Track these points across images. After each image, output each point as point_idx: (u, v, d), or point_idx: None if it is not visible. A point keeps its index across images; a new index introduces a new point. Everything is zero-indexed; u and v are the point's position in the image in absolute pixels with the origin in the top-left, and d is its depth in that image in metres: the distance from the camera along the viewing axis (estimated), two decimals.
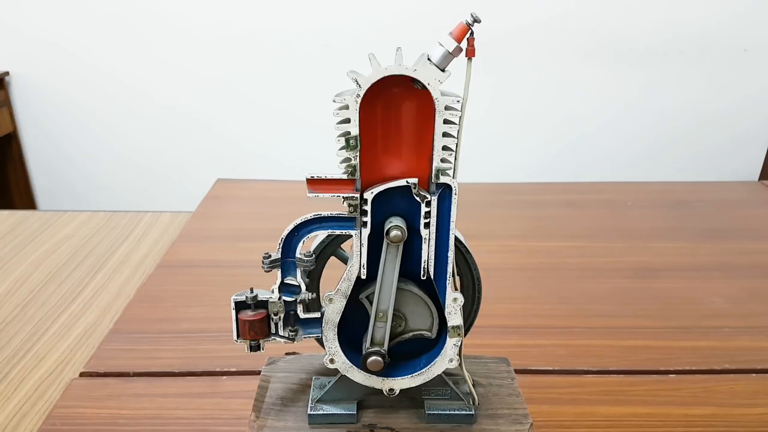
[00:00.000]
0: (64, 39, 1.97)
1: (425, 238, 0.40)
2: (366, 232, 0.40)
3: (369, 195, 0.39)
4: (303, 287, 0.42)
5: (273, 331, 0.43)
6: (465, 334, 0.44)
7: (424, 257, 0.41)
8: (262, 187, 1.17)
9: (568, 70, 2.02)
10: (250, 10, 1.93)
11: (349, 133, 0.37)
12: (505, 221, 1.02)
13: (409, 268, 0.42)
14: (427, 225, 0.40)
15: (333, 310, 0.42)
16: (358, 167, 0.38)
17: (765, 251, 0.92)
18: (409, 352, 0.46)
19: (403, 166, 0.40)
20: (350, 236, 0.41)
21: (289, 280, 0.42)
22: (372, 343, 0.43)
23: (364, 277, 0.41)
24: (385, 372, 0.44)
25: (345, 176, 0.39)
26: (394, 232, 0.39)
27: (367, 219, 0.39)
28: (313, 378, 0.48)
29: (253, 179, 1.21)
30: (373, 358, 0.43)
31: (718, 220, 1.04)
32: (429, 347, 0.46)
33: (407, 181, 0.39)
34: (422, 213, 0.39)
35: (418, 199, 0.39)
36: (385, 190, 0.39)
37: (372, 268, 0.41)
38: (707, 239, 0.96)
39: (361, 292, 0.43)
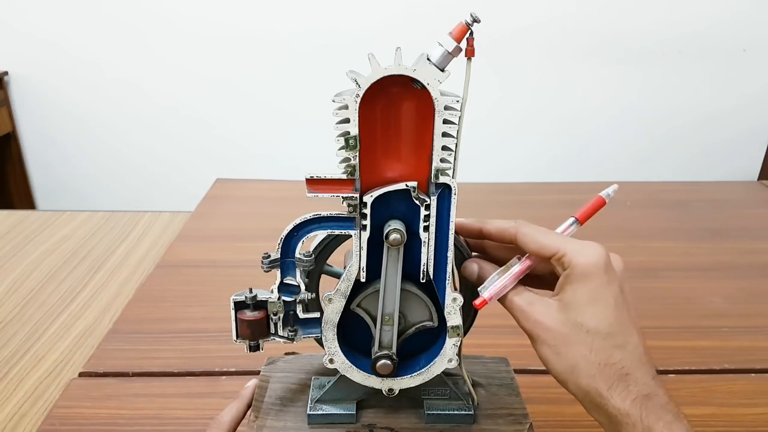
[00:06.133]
0: (63, 38, 1.97)
1: (424, 241, 0.40)
2: (365, 235, 0.40)
3: (368, 198, 0.39)
4: (302, 287, 0.42)
5: (272, 331, 0.43)
6: (464, 334, 0.44)
7: (423, 260, 0.41)
8: (261, 186, 1.17)
9: (568, 70, 2.02)
10: (249, 10, 1.93)
11: (348, 133, 0.37)
12: None
13: (409, 271, 0.42)
14: (426, 228, 0.40)
15: (332, 310, 0.42)
16: (357, 167, 0.38)
17: (764, 251, 0.92)
18: (416, 348, 0.46)
19: (403, 167, 0.40)
20: (350, 236, 0.41)
21: (288, 280, 0.42)
22: (380, 347, 0.43)
23: (363, 280, 0.41)
24: (393, 373, 0.44)
25: (344, 176, 0.39)
26: (393, 236, 0.39)
27: (367, 222, 0.39)
28: (313, 378, 0.48)
29: (252, 179, 1.21)
30: (382, 362, 0.42)
31: (717, 220, 1.04)
32: (433, 340, 0.45)
33: (406, 185, 0.39)
34: (422, 216, 0.39)
35: (417, 202, 0.39)
36: (385, 193, 0.39)
37: (372, 270, 0.41)
38: (707, 239, 0.96)
39: (353, 302, 0.43)
